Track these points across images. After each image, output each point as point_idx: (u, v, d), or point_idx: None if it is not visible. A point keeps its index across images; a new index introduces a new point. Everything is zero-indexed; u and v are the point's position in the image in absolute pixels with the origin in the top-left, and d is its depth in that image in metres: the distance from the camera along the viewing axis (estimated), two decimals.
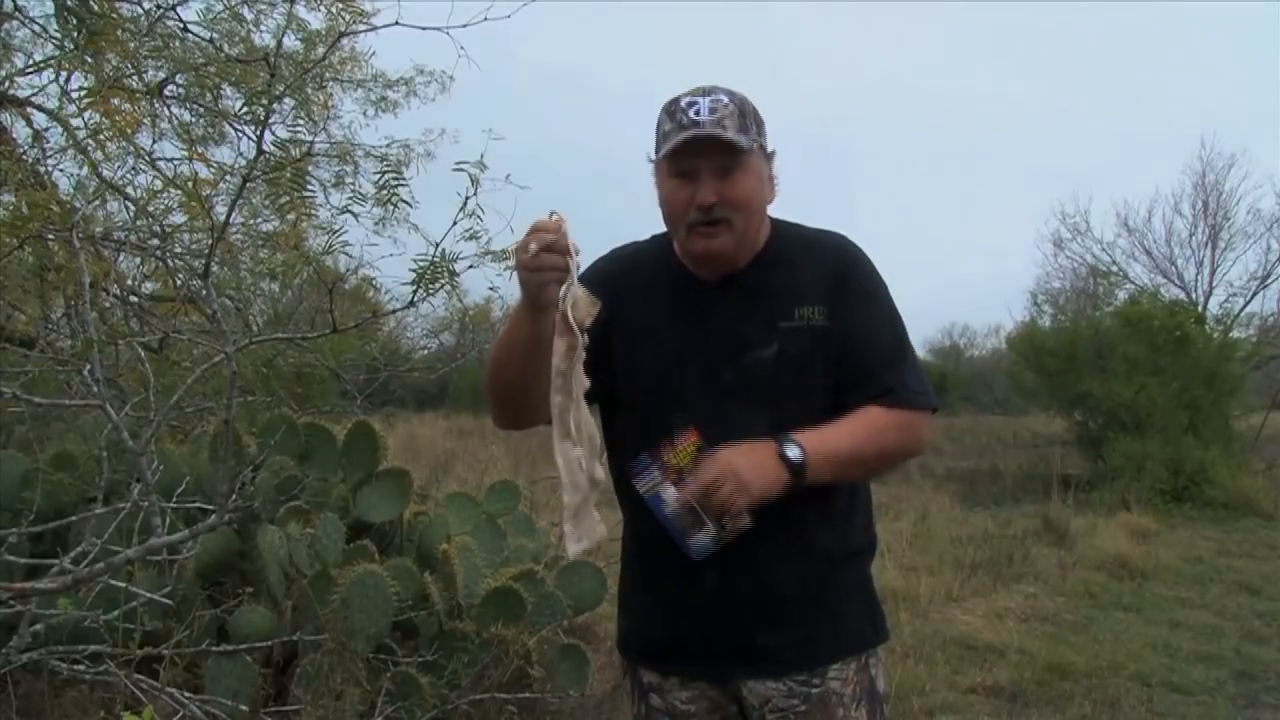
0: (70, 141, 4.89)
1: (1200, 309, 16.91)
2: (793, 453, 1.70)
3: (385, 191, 3.21)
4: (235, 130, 6.02)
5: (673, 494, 1.74)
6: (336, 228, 4.25)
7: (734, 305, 1.87)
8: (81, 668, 3.34)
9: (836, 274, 1.86)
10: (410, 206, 3.40)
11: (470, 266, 3.32)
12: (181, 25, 5.70)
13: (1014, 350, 18.21)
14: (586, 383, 1.70)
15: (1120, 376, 13.62)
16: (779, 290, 1.85)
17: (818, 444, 1.73)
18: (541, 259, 1.64)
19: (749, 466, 1.68)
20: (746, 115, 1.82)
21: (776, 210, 1.98)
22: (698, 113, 1.77)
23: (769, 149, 1.88)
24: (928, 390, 1.87)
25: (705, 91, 1.82)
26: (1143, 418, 13.27)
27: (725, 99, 1.80)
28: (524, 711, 3.53)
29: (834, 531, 1.85)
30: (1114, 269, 18.57)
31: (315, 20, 5.70)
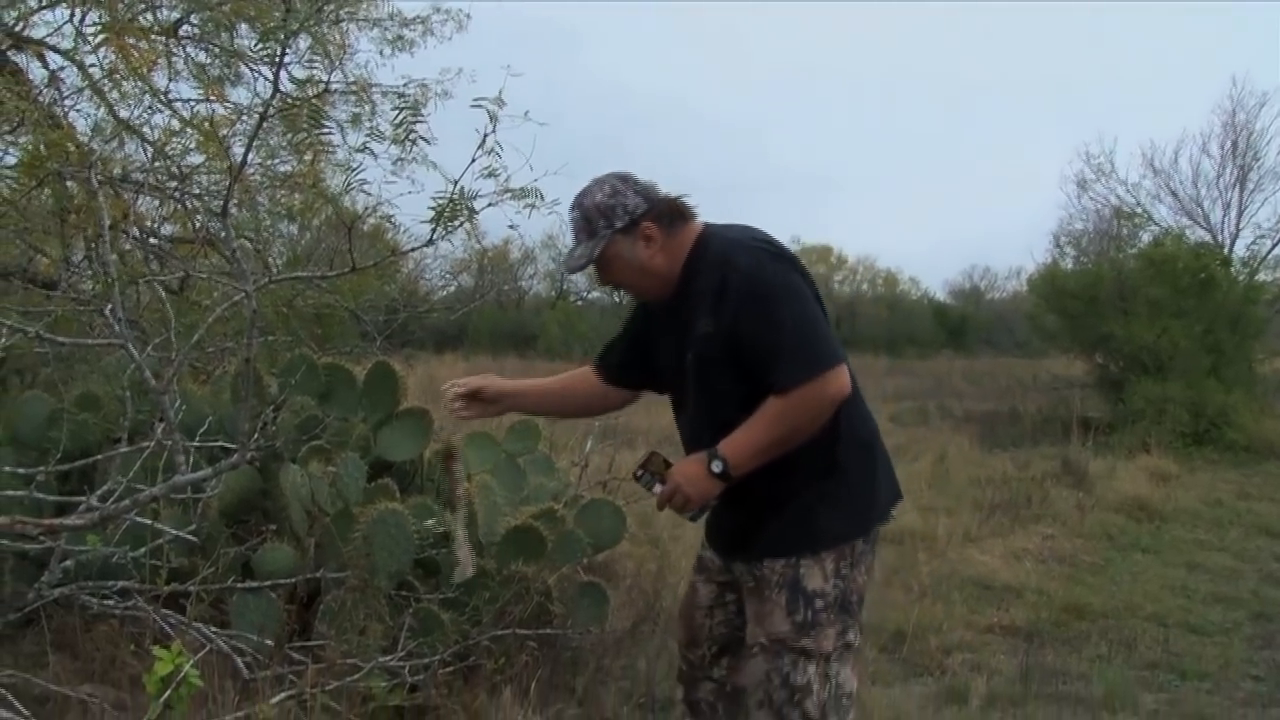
0: (86, 82, 4.87)
1: (1226, 251, 16.68)
2: (717, 467, 2.30)
3: (403, 129, 3.18)
4: (251, 70, 5.98)
5: (659, 488, 2.43)
6: (354, 165, 4.21)
7: (677, 319, 2.40)
8: (111, 603, 3.40)
9: (718, 288, 2.28)
10: (428, 143, 3.36)
11: (489, 204, 3.29)
12: None
13: (1035, 292, 18.00)
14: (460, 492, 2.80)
15: (1142, 319, 13.49)
16: (692, 306, 2.35)
17: (735, 451, 2.29)
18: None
19: (688, 483, 2.35)
20: (592, 219, 2.35)
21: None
22: (569, 245, 2.45)
23: (631, 217, 2.34)
24: (809, 358, 2.23)
25: (571, 207, 2.40)
26: (1164, 360, 13.17)
27: (576, 215, 2.39)
28: (544, 647, 3.57)
29: (766, 480, 2.34)
30: (1138, 210, 18.31)
31: None
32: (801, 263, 2.41)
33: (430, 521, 2.59)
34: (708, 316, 2.29)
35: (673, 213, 2.39)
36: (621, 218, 2.34)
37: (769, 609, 2.40)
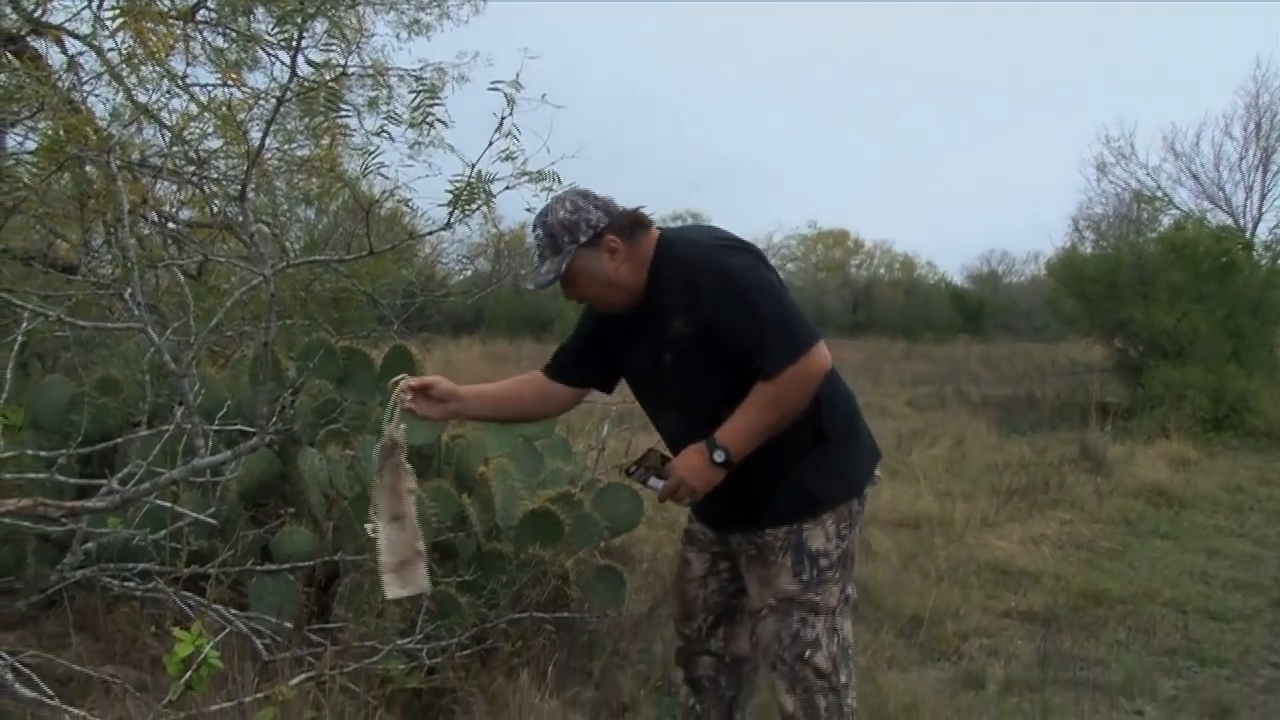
0: (104, 67, 4.88)
1: (1248, 235, 16.55)
2: (719, 457, 2.36)
3: (420, 112, 3.17)
4: (268, 54, 5.99)
5: (656, 483, 2.51)
6: (372, 149, 4.22)
7: (649, 324, 2.45)
8: (131, 584, 3.43)
9: (689, 287, 2.36)
10: (445, 126, 3.36)
11: (507, 188, 3.29)
12: None
13: (1054, 277, 17.91)
14: (412, 485, 2.48)
15: (1162, 303, 13.39)
16: (663, 310, 2.41)
17: (734, 438, 2.36)
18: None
19: (692, 475, 2.40)
20: (557, 235, 2.40)
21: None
22: (534, 262, 2.46)
23: (595, 230, 2.39)
24: (792, 341, 2.32)
25: (535, 226, 2.45)
26: (1184, 345, 13.08)
27: (540, 233, 2.43)
28: (561, 631, 3.58)
29: (758, 460, 2.40)
30: (1159, 194, 18.17)
31: None
32: (762, 252, 2.53)
33: (368, 525, 2.54)
34: (683, 317, 2.37)
35: (633, 223, 2.45)
36: (585, 232, 2.40)
37: (775, 572, 2.51)
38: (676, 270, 2.41)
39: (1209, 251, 13.49)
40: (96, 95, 5.11)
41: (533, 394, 2.72)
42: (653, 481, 2.53)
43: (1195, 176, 18.04)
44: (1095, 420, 10.89)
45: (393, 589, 2.46)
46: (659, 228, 2.51)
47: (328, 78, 3.22)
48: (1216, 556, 6.29)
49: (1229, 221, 17.22)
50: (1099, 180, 18.72)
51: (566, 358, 2.71)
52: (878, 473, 2.70)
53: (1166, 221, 17.13)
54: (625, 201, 2.50)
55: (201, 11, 5.83)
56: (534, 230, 2.47)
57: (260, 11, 5.70)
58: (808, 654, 2.50)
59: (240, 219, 4.16)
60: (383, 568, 2.45)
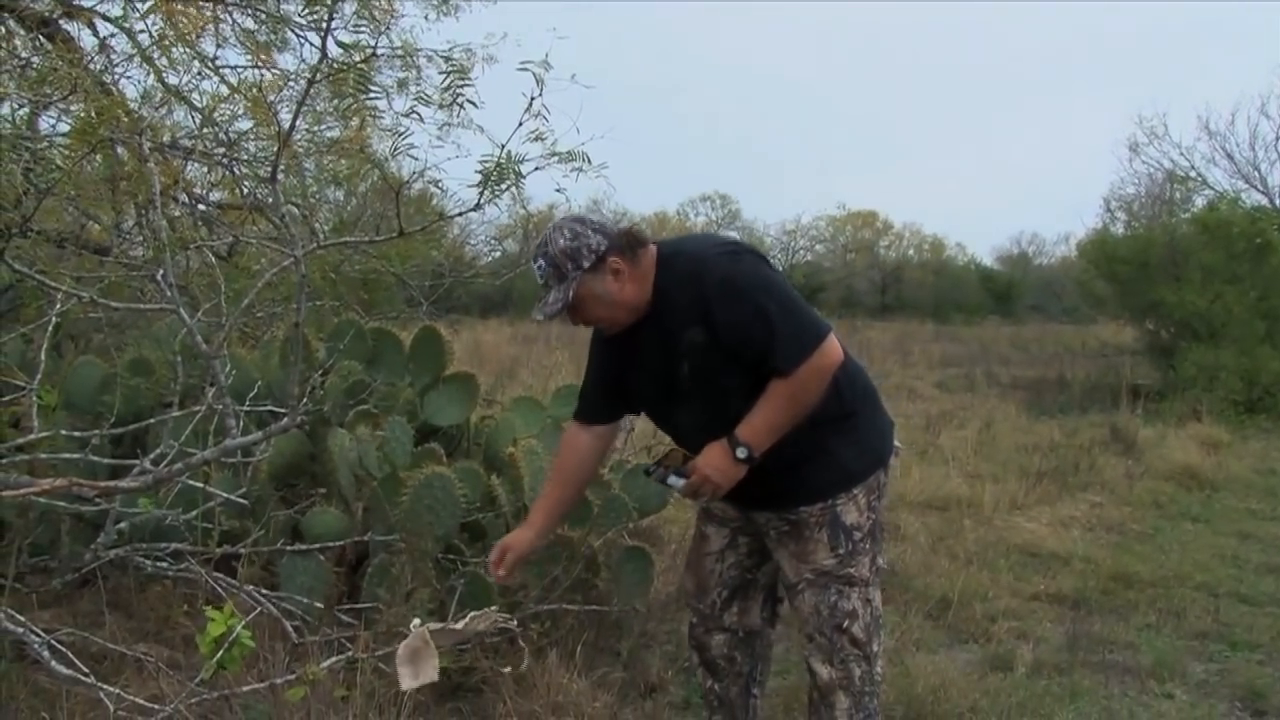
0: (135, 49, 4.91)
1: None
2: (742, 454, 2.41)
3: (450, 93, 3.17)
4: (298, 36, 6.00)
5: (676, 481, 2.54)
6: (401, 130, 4.23)
7: (656, 337, 2.48)
8: (164, 564, 3.46)
9: (698, 298, 2.38)
10: (475, 106, 3.36)
11: (536, 168, 3.29)
12: None
13: (1084, 258, 17.70)
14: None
15: (1195, 285, 13.21)
16: (673, 322, 2.44)
17: (754, 435, 2.40)
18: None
19: (716, 472, 2.44)
20: (561, 265, 2.41)
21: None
22: (539, 293, 2.47)
23: (596, 254, 2.41)
24: (803, 338, 2.36)
25: (536, 257, 2.47)
26: (1217, 327, 12.91)
27: (543, 264, 2.44)
28: (589, 612, 3.59)
29: (793, 442, 2.45)
30: (1192, 174, 17.92)
31: None
32: (761, 251, 2.56)
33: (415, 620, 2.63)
34: (696, 327, 2.40)
35: (632, 242, 2.47)
36: (588, 257, 2.42)
37: (811, 547, 2.59)
38: (682, 282, 2.44)
39: (1243, 232, 13.28)
40: (128, 77, 5.16)
41: (579, 456, 2.75)
42: (672, 479, 2.56)
43: (1230, 156, 17.76)
44: (1126, 402, 10.78)
45: (408, 681, 2.55)
46: (655, 242, 2.54)
47: (357, 59, 3.22)
48: (1248, 540, 6.22)
49: (1264, 202, 16.94)
50: (1131, 160, 18.50)
51: (592, 403, 2.76)
52: (898, 442, 2.75)
53: (1200, 202, 16.91)
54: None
55: None
56: (535, 262, 2.48)
57: None
58: (845, 624, 2.59)
59: (270, 200, 4.19)
60: (399, 659, 2.56)
